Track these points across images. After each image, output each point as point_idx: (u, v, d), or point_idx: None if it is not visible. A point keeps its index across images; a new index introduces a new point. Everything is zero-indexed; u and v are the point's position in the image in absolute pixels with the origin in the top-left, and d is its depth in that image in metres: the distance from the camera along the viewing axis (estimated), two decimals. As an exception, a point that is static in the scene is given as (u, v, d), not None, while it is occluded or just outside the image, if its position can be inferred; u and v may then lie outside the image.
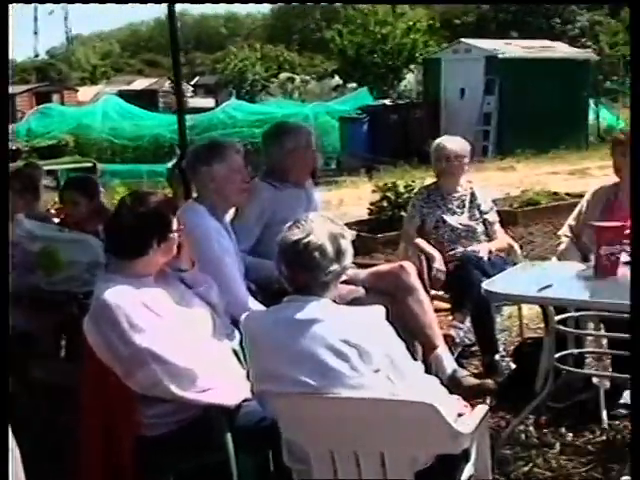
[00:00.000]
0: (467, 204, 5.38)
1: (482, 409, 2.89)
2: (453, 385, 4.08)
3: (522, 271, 4.57)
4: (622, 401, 4.49)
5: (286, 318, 2.70)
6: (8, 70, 3.28)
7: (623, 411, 4.42)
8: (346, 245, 2.75)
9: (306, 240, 2.68)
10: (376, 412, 2.58)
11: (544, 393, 4.13)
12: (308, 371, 2.60)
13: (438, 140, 5.42)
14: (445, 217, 5.32)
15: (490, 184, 12.49)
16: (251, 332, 2.82)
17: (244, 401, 2.97)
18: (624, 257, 4.35)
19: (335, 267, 2.71)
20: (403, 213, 5.91)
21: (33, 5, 44.66)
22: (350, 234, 2.89)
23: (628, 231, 4.49)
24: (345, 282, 4.37)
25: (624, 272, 4.10)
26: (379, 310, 2.74)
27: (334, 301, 2.84)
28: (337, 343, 2.58)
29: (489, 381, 4.34)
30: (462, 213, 5.36)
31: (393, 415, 2.57)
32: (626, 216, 4.62)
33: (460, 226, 5.30)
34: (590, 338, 4.77)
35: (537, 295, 3.85)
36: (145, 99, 30.82)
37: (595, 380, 4.56)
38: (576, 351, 4.35)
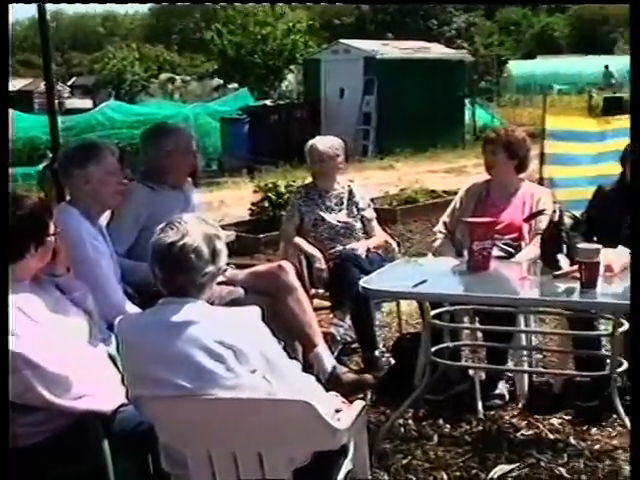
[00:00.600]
0: (345, 202, 5.45)
1: (359, 405, 2.93)
2: (333, 382, 4.13)
3: (399, 268, 4.65)
4: (497, 392, 4.63)
5: (161, 321, 2.67)
6: (8, 70, 3.14)
7: (498, 401, 4.57)
8: (221, 246, 2.74)
9: (181, 242, 2.66)
10: (253, 412, 2.58)
11: (422, 386, 4.22)
12: (183, 373, 2.58)
13: (311, 141, 5.47)
14: (323, 215, 5.37)
15: (370, 183, 12.67)
16: (125, 335, 2.78)
17: (121, 406, 2.92)
18: (495, 252, 4.51)
19: (211, 268, 2.70)
20: (284, 213, 5.92)
21: None
22: (225, 235, 2.88)
23: (499, 226, 4.67)
24: (224, 283, 4.38)
25: (496, 266, 4.24)
26: (254, 310, 2.74)
27: (212, 303, 2.83)
28: (212, 344, 2.57)
29: (368, 376, 4.42)
30: (340, 210, 5.43)
31: (270, 415, 2.58)
32: (497, 212, 4.79)
33: (338, 223, 5.37)
34: (466, 331, 4.91)
35: (412, 291, 3.93)
36: (20, 100, 29.87)
37: (471, 372, 4.68)
38: (451, 344, 4.46)
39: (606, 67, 34.51)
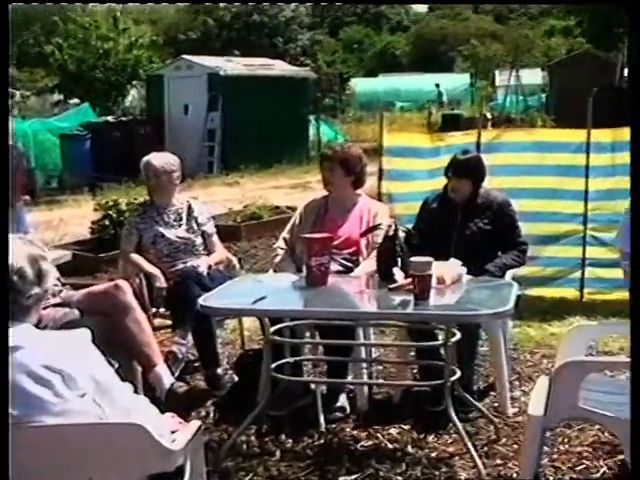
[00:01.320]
0: (184, 217, 5.40)
1: (194, 424, 2.89)
2: (173, 400, 4.08)
3: (239, 284, 4.66)
4: (338, 404, 4.68)
5: (-16, 346, 2.56)
6: (8, 69, 2.89)
7: (339, 414, 4.62)
8: (47, 267, 2.65)
9: (5, 264, 2.56)
10: (82, 437, 2.50)
11: (263, 403, 4.22)
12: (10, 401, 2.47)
13: (145, 158, 5.41)
14: (162, 231, 5.30)
15: (216, 199, 12.62)
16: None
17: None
18: (334, 267, 4.58)
19: (36, 290, 2.60)
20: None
21: None
22: (54, 255, 2.80)
23: (337, 242, 4.75)
24: (59, 305, 4.26)
25: (334, 281, 4.31)
26: (84, 333, 2.66)
27: (45, 326, 2.75)
28: (39, 369, 2.48)
29: (201, 385, 4.38)
30: (180, 226, 5.37)
31: (101, 439, 2.51)
32: (335, 227, 4.87)
33: (178, 239, 5.31)
34: (308, 345, 4.96)
35: (251, 307, 3.94)
36: None
37: (312, 386, 4.72)
38: (292, 359, 4.49)
39: (437, 85, 35.78)
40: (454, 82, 38.80)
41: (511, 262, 4.84)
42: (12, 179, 4.37)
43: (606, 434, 4.19)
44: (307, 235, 4.43)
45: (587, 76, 21.02)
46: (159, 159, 5.35)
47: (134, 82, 26.55)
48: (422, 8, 72.97)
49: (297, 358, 4.61)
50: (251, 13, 41.48)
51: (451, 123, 19.97)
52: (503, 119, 23.17)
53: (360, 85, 38.38)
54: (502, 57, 38.30)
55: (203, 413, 4.65)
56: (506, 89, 26.41)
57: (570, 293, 6.79)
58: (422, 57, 54.79)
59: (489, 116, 20.63)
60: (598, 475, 3.93)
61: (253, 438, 4.37)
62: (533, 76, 31.99)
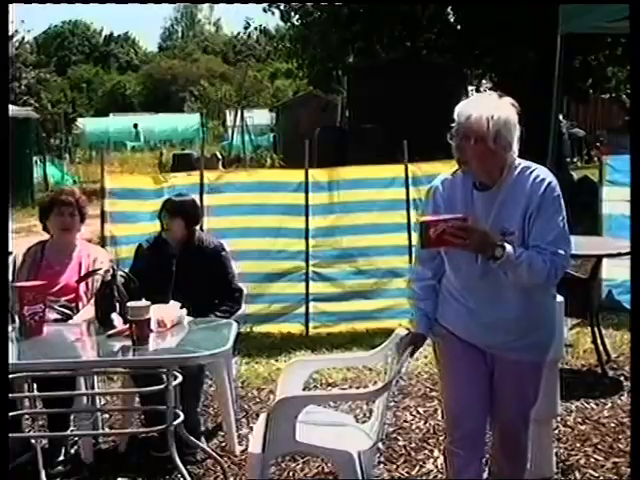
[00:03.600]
0: None
1: None
2: None
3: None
4: (61, 457, 4.51)
5: None
6: (8, 69, 2.28)
7: (61, 468, 4.44)
8: None
9: None
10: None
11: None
12: None
13: None
14: None
15: None
16: None
17: None
18: (52, 315, 4.43)
19: None
20: None
21: None
22: None
23: (55, 289, 4.59)
24: None
25: (51, 330, 4.16)
26: None
27: None
28: None
29: None
30: None
31: None
32: (54, 274, 4.71)
33: None
34: (27, 399, 4.73)
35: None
36: None
37: (33, 441, 4.50)
38: (10, 414, 4.26)
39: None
40: (185, 122, 39.06)
41: (227, 315, 4.85)
42: None
43: (330, 464, 4.33)
44: (19, 284, 4.25)
45: (311, 116, 21.92)
46: None
47: None
48: (152, 47, 73.09)
49: (15, 413, 4.38)
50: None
51: (182, 163, 20.04)
52: (234, 158, 23.60)
53: (90, 125, 37.64)
54: (232, 98, 39.14)
55: None
56: (236, 129, 26.91)
57: (296, 328, 6.98)
58: (153, 97, 54.76)
59: (219, 156, 20.94)
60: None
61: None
62: (262, 116, 32.99)
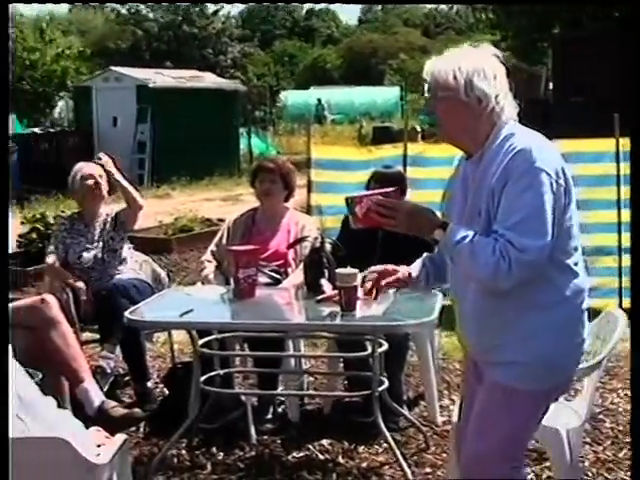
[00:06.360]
0: (110, 228, 5.31)
1: (120, 438, 2.88)
2: (102, 417, 4.03)
3: (167, 297, 4.64)
4: (269, 416, 4.70)
5: None
6: (8, 69, 2.77)
7: (270, 426, 4.63)
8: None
9: None
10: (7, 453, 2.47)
11: (193, 416, 4.20)
12: None
13: (74, 168, 5.36)
14: (89, 245, 5.24)
15: (146, 212, 12.48)
16: None
17: None
18: (262, 279, 4.59)
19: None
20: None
21: None
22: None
23: (265, 254, 4.76)
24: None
25: (262, 293, 4.32)
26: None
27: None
28: (-40, 386, 2.44)
29: (137, 410, 4.33)
30: (105, 239, 5.28)
31: (24, 454, 2.48)
32: (263, 240, 4.88)
33: (104, 253, 5.24)
34: (238, 358, 4.95)
35: (178, 320, 3.92)
36: None
37: (243, 398, 4.72)
38: (222, 372, 4.49)
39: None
40: (385, 95, 39.20)
41: None
42: None
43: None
44: (234, 248, 4.43)
45: (514, 88, 21.42)
46: (86, 170, 5.30)
47: (62, 93, 26.21)
48: (353, 21, 73.60)
49: (227, 370, 4.60)
50: (180, 24, 41.23)
51: (382, 135, 20.17)
52: (433, 131, 23.44)
53: (291, 98, 38.50)
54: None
55: (133, 427, 4.61)
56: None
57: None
58: (353, 70, 55.22)
59: (418, 129, 20.88)
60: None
61: (184, 452, 4.35)
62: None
